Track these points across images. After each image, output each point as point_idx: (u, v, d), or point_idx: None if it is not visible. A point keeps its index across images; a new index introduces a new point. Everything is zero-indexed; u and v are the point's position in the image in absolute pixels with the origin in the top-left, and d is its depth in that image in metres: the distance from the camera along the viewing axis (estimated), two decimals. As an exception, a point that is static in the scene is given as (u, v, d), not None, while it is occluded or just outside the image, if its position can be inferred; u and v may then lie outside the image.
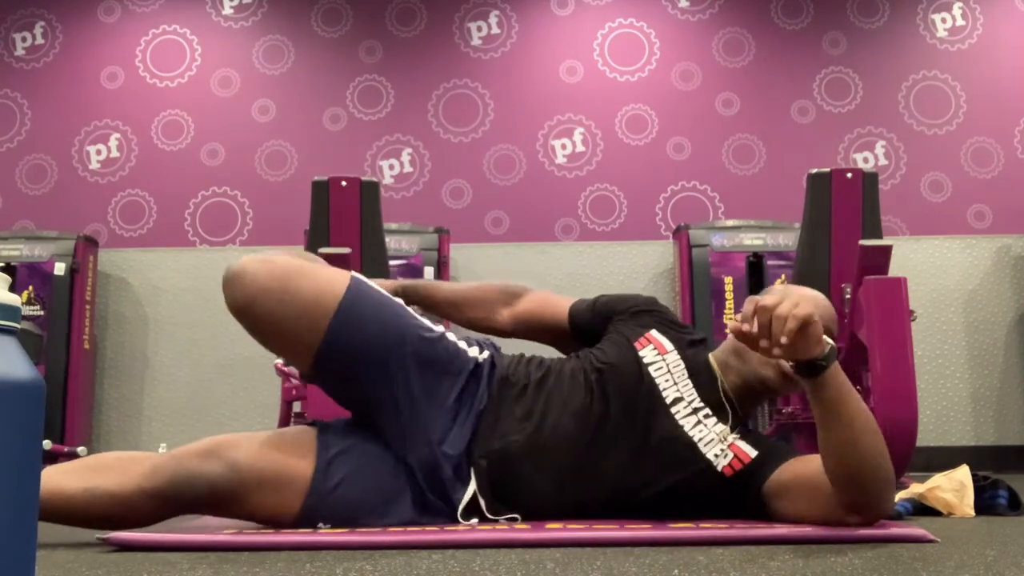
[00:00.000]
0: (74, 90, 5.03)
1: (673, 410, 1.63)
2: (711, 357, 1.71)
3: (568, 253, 4.79)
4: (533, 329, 1.87)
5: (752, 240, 4.33)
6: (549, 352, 1.86)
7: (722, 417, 1.64)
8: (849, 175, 3.01)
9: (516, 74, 5.03)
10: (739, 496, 1.59)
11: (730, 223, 4.43)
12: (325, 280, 1.56)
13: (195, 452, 1.47)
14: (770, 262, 4.28)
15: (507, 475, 1.58)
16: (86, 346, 4.40)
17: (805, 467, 1.51)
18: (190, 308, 4.73)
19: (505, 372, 1.66)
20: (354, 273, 1.63)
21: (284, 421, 3.32)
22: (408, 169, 4.94)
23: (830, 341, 1.39)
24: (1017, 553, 1.22)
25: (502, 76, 5.03)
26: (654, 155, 4.94)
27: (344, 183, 3.22)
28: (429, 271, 4.34)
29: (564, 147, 4.95)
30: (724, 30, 5.07)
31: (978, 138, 4.91)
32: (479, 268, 4.75)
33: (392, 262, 4.04)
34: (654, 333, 1.73)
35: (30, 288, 4.32)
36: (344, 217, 3.20)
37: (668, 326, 1.76)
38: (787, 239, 4.30)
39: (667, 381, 1.66)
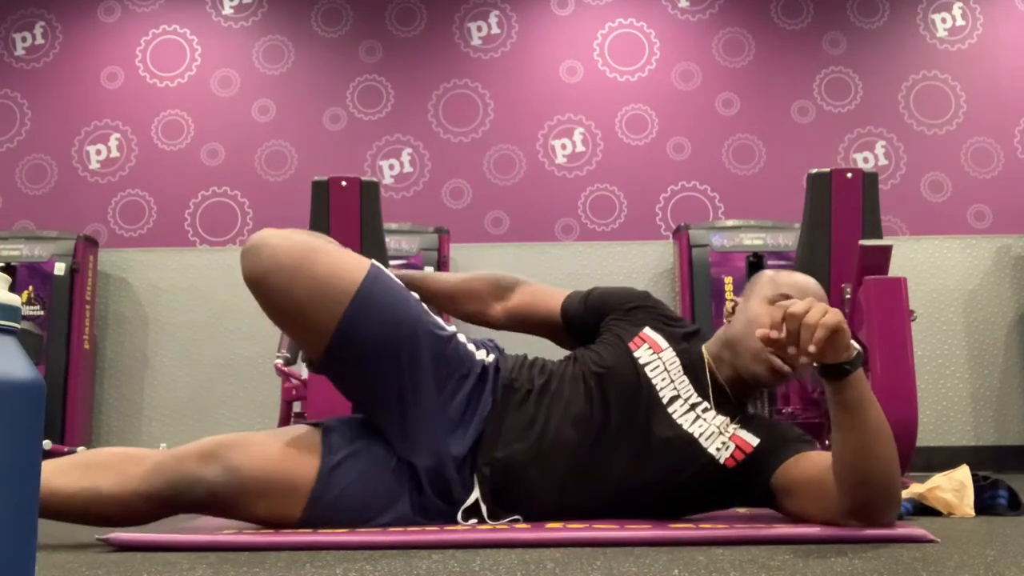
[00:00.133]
0: (74, 90, 5.03)
1: (671, 409, 1.63)
2: (704, 350, 1.71)
3: (568, 253, 4.79)
4: (526, 324, 1.86)
5: (752, 240, 4.33)
6: (550, 351, 1.86)
7: (721, 409, 1.64)
8: (849, 175, 3.01)
9: (516, 74, 5.03)
10: (744, 485, 1.58)
11: (730, 223, 4.43)
12: (344, 265, 1.54)
13: (195, 454, 1.46)
14: (770, 262, 4.28)
15: (510, 483, 1.57)
16: (86, 346, 4.40)
17: (813, 468, 1.49)
18: (190, 308, 4.73)
19: (509, 378, 1.66)
20: (374, 261, 1.62)
21: (284, 421, 3.32)
22: (408, 169, 4.94)
23: (857, 346, 1.38)
24: (1017, 553, 1.22)
25: (502, 76, 5.03)
26: (654, 155, 4.94)
27: (344, 183, 3.22)
28: (429, 271, 4.34)
29: (564, 147, 4.95)
30: (724, 30, 5.07)
31: (978, 138, 4.91)
32: (479, 268, 4.74)
33: (392, 262, 4.04)
34: (648, 331, 1.72)
35: (30, 288, 4.32)
36: (344, 217, 3.20)
37: (662, 322, 1.76)
38: (787, 239, 4.30)
39: (663, 380, 1.65)
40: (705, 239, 4.35)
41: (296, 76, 5.03)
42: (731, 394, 1.67)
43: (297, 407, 3.32)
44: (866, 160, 4.91)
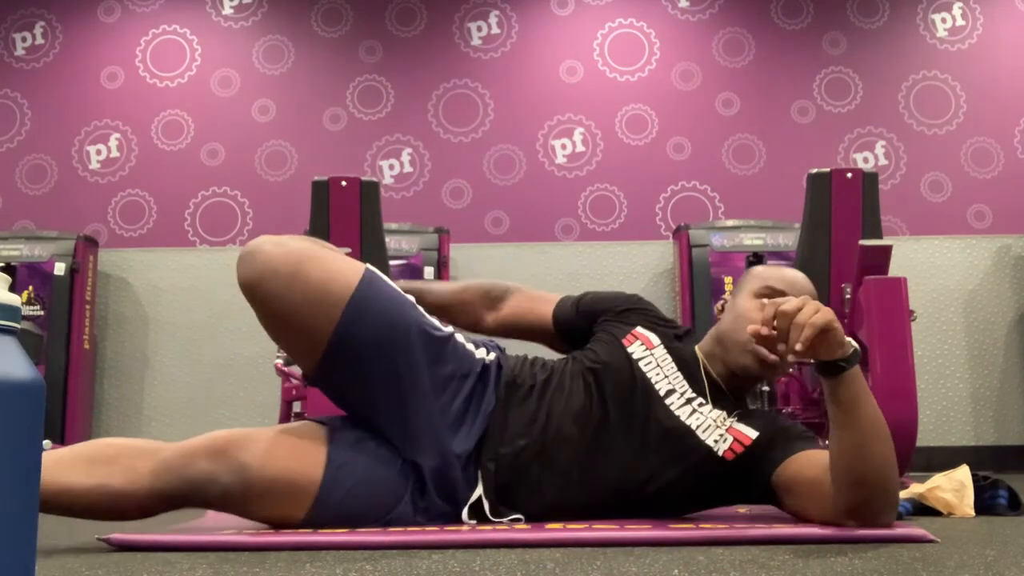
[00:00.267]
0: (74, 90, 5.03)
1: (668, 401, 1.64)
2: (697, 349, 1.74)
3: (568, 253, 4.79)
4: (518, 331, 1.89)
5: (752, 240, 4.34)
6: (549, 353, 1.87)
7: (717, 404, 1.65)
8: (849, 175, 3.01)
9: (516, 74, 5.03)
10: (745, 481, 1.59)
11: (730, 223, 4.43)
12: (339, 270, 1.55)
13: (205, 451, 1.46)
14: (770, 262, 4.28)
15: (514, 478, 1.58)
16: (86, 346, 4.40)
17: (812, 466, 1.50)
18: (190, 308, 4.73)
19: (511, 375, 1.67)
20: (368, 266, 1.62)
21: (284, 421, 3.32)
22: (408, 169, 4.94)
23: (854, 344, 1.39)
24: (1017, 553, 1.22)
25: (502, 76, 5.03)
26: (654, 155, 4.94)
27: (344, 183, 3.22)
28: (429, 271, 4.34)
29: (564, 147, 4.95)
30: (724, 30, 5.07)
31: (978, 138, 4.91)
32: (479, 268, 4.75)
33: (392, 262, 4.04)
34: (640, 329, 1.75)
35: (30, 288, 4.32)
36: (344, 217, 3.20)
37: (653, 322, 1.78)
38: (787, 239, 4.30)
39: (658, 374, 1.67)
40: (705, 239, 4.35)
41: (296, 76, 5.03)
42: (727, 390, 1.69)
43: (297, 407, 3.32)
44: (866, 160, 4.91)
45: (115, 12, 5.11)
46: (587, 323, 1.82)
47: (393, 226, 4.36)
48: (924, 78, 4.99)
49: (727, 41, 5.06)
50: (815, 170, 3.09)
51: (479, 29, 5.08)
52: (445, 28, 5.09)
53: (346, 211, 3.20)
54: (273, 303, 1.52)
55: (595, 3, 5.12)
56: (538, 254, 4.79)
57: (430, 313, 1.80)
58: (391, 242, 4.22)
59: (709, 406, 1.64)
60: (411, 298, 1.66)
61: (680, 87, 5.01)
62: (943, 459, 4.12)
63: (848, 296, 2.86)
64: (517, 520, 1.57)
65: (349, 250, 2.87)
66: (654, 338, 1.73)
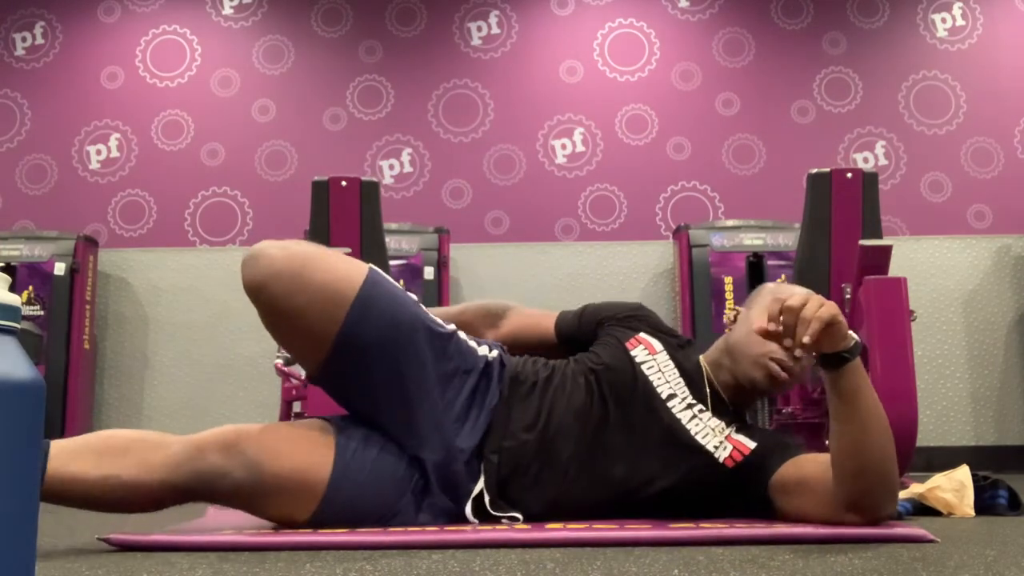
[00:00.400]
0: (74, 90, 5.03)
1: (669, 404, 1.67)
2: (701, 358, 1.76)
3: (568, 253, 4.79)
4: (520, 347, 1.90)
5: (752, 240, 4.33)
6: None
7: (717, 414, 1.67)
8: (849, 175, 3.01)
9: (516, 74, 5.03)
10: (743, 489, 1.60)
11: (730, 223, 4.43)
12: (343, 270, 1.56)
13: (217, 445, 1.46)
14: (770, 262, 4.28)
15: (516, 471, 1.60)
16: (86, 346, 4.40)
17: (811, 465, 1.52)
18: (190, 308, 4.73)
19: (515, 371, 1.69)
20: (371, 266, 1.63)
21: (284, 421, 3.32)
22: (408, 169, 4.94)
23: (855, 337, 1.42)
24: (1017, 553, 1.22)
25: (502, 76, 5.03)
26: (654, 155, 4.94)
27: (344, 183, 3.22)
28: (429, 271, 4.34)
29: (564, 147, 4.95)
30: (724, 30, 5.07)
31: (978, 138, 4.91)
32: (479, 268, 4.75)
33: (392, 262, 4.04)
34: (643, 335, 1.77)
35: (30, 288, 4.32)
36: (344, 217, 3.20)
37: (656, 329, 1.81)
38: (787, 239, 4.30)
39: (660, 378, 1.70)
40: (705, 239, 4.35)
41: (296, 76, 5.03)
42: (728, 401, 1.71)
43: (297, 407, 3.32)
44: (866, 160, 4.91)
45: (115, 12, 5.11)
46: (590, 330, 1.84)
47: (393, 226, 4.36)
48: (924, 78, 4.99)
49: (727, 41, 5.06)
50: (815, 170, 3.09)
51: (479, 29, 5.08)
52: (445, 28, 5.09)
53: (346, 211, 3.20)
54: (278, 305, 1.53)
55: (595, 3, 5.12)
56: (538, 254, 4.79)
57: None
58: (391, 242, 4.22)
59: (709, 414, 1.66)
60: (413, 296, 1.68)
61: (680, 87, 5.01)
62: (943, 459, 4.12)
63: (848, 296, 2.86)
64: (516, 520, 1.57)
65: (349, 250, 2.87)
66: (657, 344, 1.75)
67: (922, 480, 2.06)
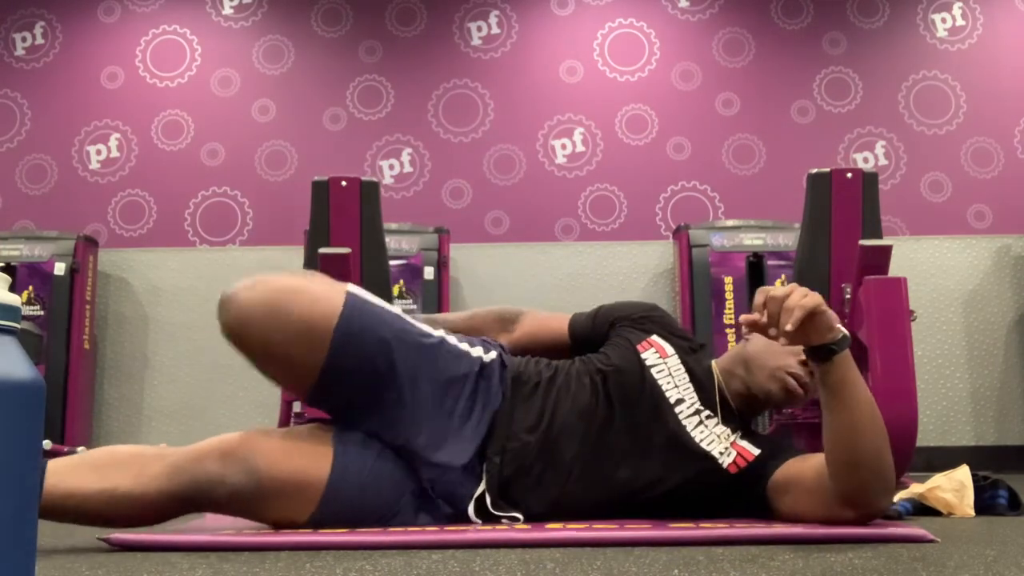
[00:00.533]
0: (74, 90, 5.03)
1: (676, 409, 1.66)
2: (713, 364, 1.76)
3: (568, 253, 4.79)
4: (534, 350, 1.89)
5: (752, 240, 4.33)
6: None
7: (724, 420, 1.67)
8: (849, 175, 3.01)
9: (516, 74, 5.03)
10: (744, 494, 1.60)
11: (730, 223, 4.43)
12: (319, 300, 1.54)
13: (215, 453, 1.46)
14: (770, 262, 4.28)
15: (518, 472, 1.59)
16: (86, 346, 4.40)
17: (807, 465, 1.53)
18: (190, 308, 4.73)
19: (517, 371, 1.69)
20: (349, 286, 1.62)
21: (284, 421, 3.32)
22: (408, 169, 4.94)
23: (843, 330, 1.43)
24: (1017, 553, 1.22)
25: (502, 76, 5.03)
26: (654, 155, 4.94)
27: (344, 183, 3.22)
28: (429, 271, 4.34)
29: (564, 147, 4.95)
30: (724, 30, 5.07)
31: (978, 138, 4.91)
32: (479, 268, 4.75)
33: (392, 262, 4.04)
34: (656, 338, 1.77)
35: (30, 288, 4.32)
36: (344, 217, 3.20)
37: (670, 332, 1.80)
38: (787, 239, 4.30)
39: (669, 383, 1.69)
40: (705, 239, 4.35)
41: (296, 76, 5.03)
42: (736, 409, 1.71)
43: (297, 407, 3.32)
44: (866, 160, 4.91)
45: (115, 12, 5.11)
46: (604, 331, 1.84)
47: (393, 226, 4.36)
48: (924, 78, 4.99)
49: (727, 41, 5.06)
50: (815, 170, 3.09)
51: (479, 29, 5.08)
52: (445, 28, 5.09)
53: (346, 211, 3.20)
54: (256, 348, 1.52)
55: (595, 3, 5.12)
56: (538, 254, 4.78)
57: None
58: (391, 242, 4.22)
59: (716, 419, 1.66)
60: (397, 309, 1.67)
61: (680, 87, 5.01)
62: (943, 459, 4.12)
63: (848, 296, 2.86)
64: (516, 520, 1.57)
65: (349, 250, 2.87)
66: (669, 348, 1.75)
67: (922, 480, 2.06)
